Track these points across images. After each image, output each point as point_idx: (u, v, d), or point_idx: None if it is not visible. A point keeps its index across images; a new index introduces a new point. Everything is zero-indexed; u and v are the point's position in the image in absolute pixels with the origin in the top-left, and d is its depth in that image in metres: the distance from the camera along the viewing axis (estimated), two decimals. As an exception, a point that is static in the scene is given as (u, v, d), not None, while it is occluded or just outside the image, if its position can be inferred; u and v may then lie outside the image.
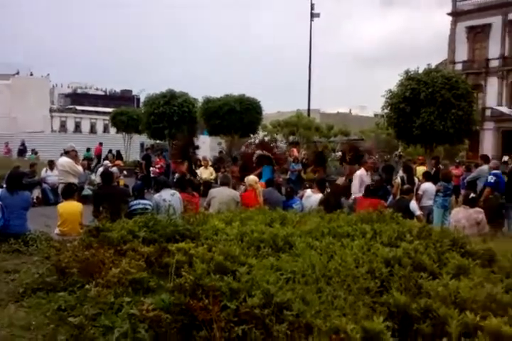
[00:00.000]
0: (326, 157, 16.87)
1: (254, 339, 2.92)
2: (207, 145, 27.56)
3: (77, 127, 60.79)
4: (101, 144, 27.27)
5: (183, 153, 16.05)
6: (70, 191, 8.16)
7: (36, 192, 13.72)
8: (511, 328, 2.57)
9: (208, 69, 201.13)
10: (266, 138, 18.13)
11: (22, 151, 27.06)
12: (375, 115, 45.06)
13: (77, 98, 74.74)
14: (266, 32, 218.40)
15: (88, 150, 24.08)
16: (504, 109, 38.30)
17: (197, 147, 19.37)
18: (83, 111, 64.19)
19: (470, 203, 7.80)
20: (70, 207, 7.82)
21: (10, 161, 19.44)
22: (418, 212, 8.49)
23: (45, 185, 14.04)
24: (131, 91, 77.51)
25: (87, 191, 13.00)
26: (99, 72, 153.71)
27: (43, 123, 46.79)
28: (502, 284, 3.42)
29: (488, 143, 37.70)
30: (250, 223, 5.49)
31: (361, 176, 10.56)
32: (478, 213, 7.61)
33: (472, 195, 8.10)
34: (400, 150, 20.63)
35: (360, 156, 13.93)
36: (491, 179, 10.17)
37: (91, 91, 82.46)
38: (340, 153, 18.52)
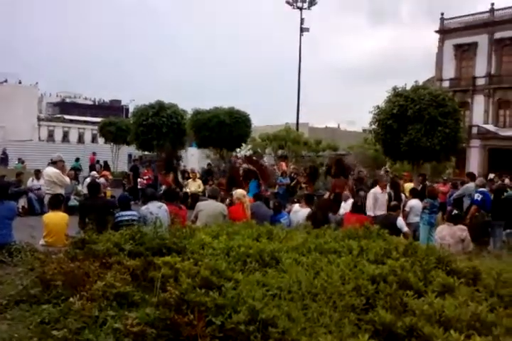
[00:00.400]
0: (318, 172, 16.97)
1: (239, 355, 2.91)
2: (195, 158, 27.54)
3: (65, 136, 60.53)
4: (94, 154, 27.07)
5: (168, 164, 16.06)
6: (57, 202, 8.09)
7: (22, 202, 13.60)
8: (495, 348, 2.59)
9: (198, 82, 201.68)
10: (249, 152, 18.18)
11: (3, 160, 26.74)
12: (364, 130, 45.40)
13: (66, 107, 74.54)
14: (256, 45, 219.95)
15: (77, 160, 23.94)
16: (490, 127, 38.81)
17: (180, 158, 19.42)
18: (71, 121, 63.99)
19: (453, 220, 7.86)
20: (56, 217, 7.75)
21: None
22: (405, 229, 8.53)
23: (31, 195, 13.93)
24: (120, 101, 77.48)
25: (73, 202, 12.90)
26: (88, 81, 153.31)
27: (31, 132, 46.53)
28: (486, 303, 3.44)
29: (475, 160, 38.09)
30: (237, 237, 5.48)
31: (375, 194, 10.63)
32: (462, 230, 7.66)
33: (455, 211, 8.16)
34: (387, 165, 20.76)
35: (345, 170, 14.04)
36: (478, 197, 10.27)
37: (80, 101, 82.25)
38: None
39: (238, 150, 19.69)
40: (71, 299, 4.13)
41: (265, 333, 2.97)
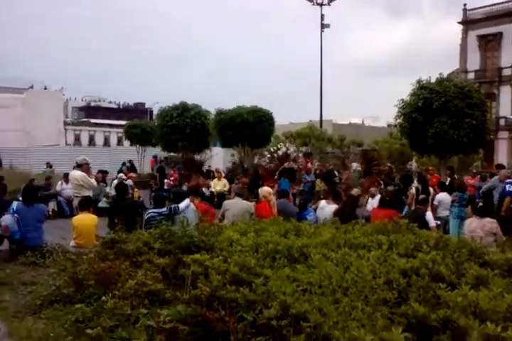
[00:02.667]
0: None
1: (272, 350, 2.91)
2: (220, 157, 27.62)
3: (91, 140, 61.32)
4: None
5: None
6: (86, 204, 8.21)
7: (52, 205, 13.85)
8: (533, 339, 2.53)
9: (220, 81, 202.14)
10: (280, 151, 18.10)
11: None
12: (388, 125, 44.93)
13: (91, 111, 75.63)
14: (277, 43, 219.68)
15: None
16: (518, 118, 38.04)
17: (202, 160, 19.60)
18: (97, 124, 64.83)
19: (480, 213, 7.71)
20: (85, 219, 7.86)
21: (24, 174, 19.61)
22: (433, 223, 8.41)
23: (60, 198, 14.16)
24: (144, 104, 78.28)
25: (103, 203, 13.09)
26: (112, 85, 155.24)
27: (58, 137, 47.22)
28: (522, 294, 3.37)
29: (503, 152, 37.36)
30: (265, 234, 5.48)
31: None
32: (491, 223, 7.52)
33: (481, 204, 8.01)
34: (413, 160, 20.53)
35: (374, 166, 13.93)
36: (509, 188, 10.03)
37: (104, 105, 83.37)
38: (354, 165, 18.53)
39: (273, 148, 19.59)
40: (103, 298, 4.18)
41: (297, 327, 2.96)
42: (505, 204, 9.81)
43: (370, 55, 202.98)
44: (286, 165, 13.74)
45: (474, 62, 41.42)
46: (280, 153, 15.65)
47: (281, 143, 20.63)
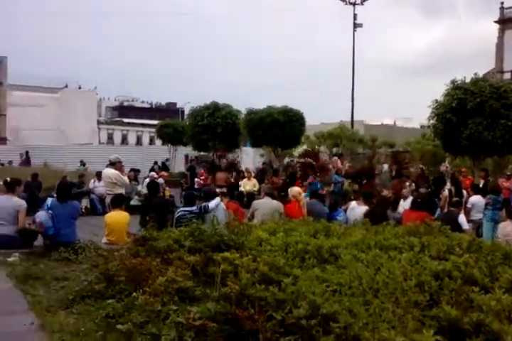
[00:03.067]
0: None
1: (300, 350, 2.90)
2: (250, 157, 27.69)
3: (124, 139, 62.27)
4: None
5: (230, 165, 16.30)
6: (119, 201, 8.35)
7: (85, 202, 14.11)
8: None
9: (252, 81, 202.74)
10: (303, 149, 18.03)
11: (26, 161, 27.11)
12: (421, 126, 44.32)
13: (124, 111, 76.72)
14: (308, 42, 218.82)
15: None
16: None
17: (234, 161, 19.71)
18: (129, 124, 65.76)
19: None
20: (117, 216, 7.99)
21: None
22: (466, 227, 8.27)
23: (93, 196, 14.43)
24: (175, 103, 78.99)
25: (134, 201, 13.28)
26: (145, 85, 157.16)
27: (91, 136, 48.10)
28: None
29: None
30: (294, 234, 5.47)
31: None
32: (527, 227, 7.36)
33: None
34: (446, 161, 20.19)
35: (404, 168, 13.73)
36: None
37: (137, 104, 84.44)
38: (386, 166, 18.30)
39: (296, 149, 19.56)
40: (134, 294, 4.24)
41: (326, 328, 2.94)
42: None
43: (403, 54, 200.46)
44: (303, 160, 13.67)
45: (511, 62, 40.50)
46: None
47: (304, 146, 20.57)
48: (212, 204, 7.86)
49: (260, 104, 21.71)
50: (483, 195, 10.33)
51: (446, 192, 10.59)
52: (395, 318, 3.03)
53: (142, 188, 14.62)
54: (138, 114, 73.97)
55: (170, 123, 28.46)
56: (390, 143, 34.63)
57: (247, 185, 16.90)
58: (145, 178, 16.87)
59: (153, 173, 18.29)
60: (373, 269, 4.02)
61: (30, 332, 4.28)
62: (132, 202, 12.97)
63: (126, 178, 10.29)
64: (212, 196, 8.05)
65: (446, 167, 17.34)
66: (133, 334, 3.61)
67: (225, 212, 7.96)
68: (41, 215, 7.54)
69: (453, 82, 14.01)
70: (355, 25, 35.06)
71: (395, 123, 66.55)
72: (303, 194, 9.54)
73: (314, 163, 13.66)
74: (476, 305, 3.16)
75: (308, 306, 3.09)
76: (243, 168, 20.22)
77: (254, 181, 17.28)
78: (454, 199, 9.23)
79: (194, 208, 7.84)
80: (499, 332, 2.68)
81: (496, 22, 41.99)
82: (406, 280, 3.62)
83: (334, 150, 28.53)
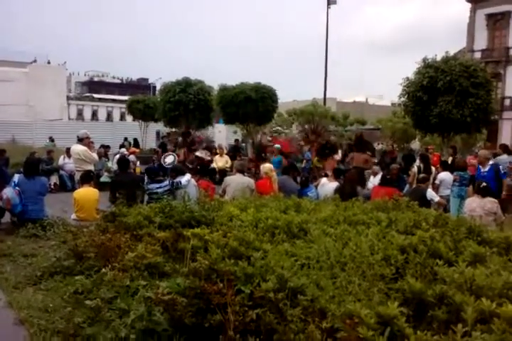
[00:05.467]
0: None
1: (269, 322, 2.93)
2: (223, 134, 27.55)
3: (94, 115, 61.18)
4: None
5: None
6: (88, 177, 8.23)
7: (54, 179, 13.88)
8: (528, 315, 2.55)
9: (224, 58, 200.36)
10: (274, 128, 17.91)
11: None
12: (392, 104, 44.64)
13: (94, 86, 75.11)
14: (282, 20, 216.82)
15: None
16: (524, 99, 37.70)
17: (189, 133, 19.57)
18: (100, 99, 64.49)
19: (482, 192, 7.71)
20: (87, 193, 7.89)
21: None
22: (437, 198, 8.44)
23: (62, 172, 14.19)
24: (147, 79, 77.72)
25: (105, 178, 13.12)
26: (115, 60, 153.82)
27: (61, 111, 47.11)
28: (519, 272, 3.39)
29: (507, 133, 37.10)
30: (265, 210, 5.50)
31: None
32: (492, 203, 7.52)
33: (484, 184, 8.00)
34: (416, 139, 20.45)
35: (365, 144, 13.89)
36: (503, 169, 10.00)
37: (107, 80, 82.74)
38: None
39: (268, 125, 19.49)
40: (103, 270, 4.22)
41: (294, 301, 2.98)
42: (505, 187, 9.74)
43: (376, 32, 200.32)
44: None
45: (481, 41, 40.81)
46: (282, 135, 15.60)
47: (278, 128, 20.51)
48: (183, 180, 7.83)
49: (233, 81, 21.45)
50: (452, 172, 10.49)
51: (415, 169, 10.74)
52: (361, 291, 3.10)
53: (112, 165, 14.44)
54: (108, 90, 72.49)
55: (141, 99, 27.98)
56: (361, 120, 34.83)
57: (220, 162, 16.86)
58: (115, 155, 16.65)
59: (123, 149, 18.06)
60: (341, 244, 4.08)
61: (-3, 309, 4.25)
62: (102, 179, 12.82)
63: (94, 154, 10.13)
64: (181, 172, 8.01)
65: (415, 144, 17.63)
66: (101, 309, 3.60)
67: (196, 188, 7.94)
68: (8, 192, 7.40)
69: (424, 60, 14.06)
70: (329, 2, 34.71)
71: (367, 100, 66.94)
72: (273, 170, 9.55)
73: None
74: (439, 278, 3.24)
75: (276, 280, 3.12)
76: (216, 144, 20.15)
77: (226, 158, 17.24)
78: (421, 175, 9.37)
79: (166, 183, 7.80)
80: (461, 304, 2.75)
81: (467, 1, 42.12)
82: (373, 255, 3.69)
83: (306, 127, 28.51)
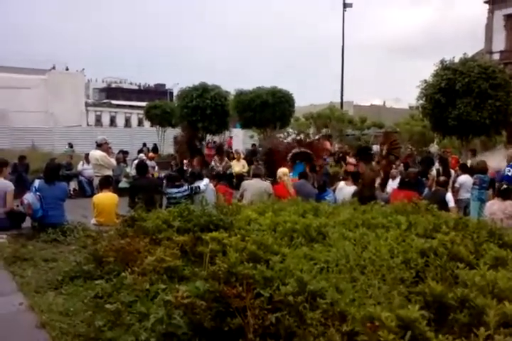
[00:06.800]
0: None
1: (288, 326, 2.93)
2: (240, 139, 27.60)
3: (112, 121, 61.75)
4: (231, 138, 27.21)
5: (190, 147, 16.10)
6: (106, 182, 8.31)
7: (73, 185, 14.04)
8: (551, 319, 2.51)
9: (240, 62, 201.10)
10: (298, 136, 17.73)
11: None
12: (410, 107, 44.28)
13: (112, 92, 75.82)
14: (298, 23, 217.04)
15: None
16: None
17: (203, 139, 19.46)
18: (118, 106, 65.07)
19: (503, 195, 7.61)
20: (106, 198, 7.96)
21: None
22: (452, 204, 8.35)
23: (81, 178, 14.35)
24: (164, 85, 78.26)
25: (123, 184, 13.22)
26: (132, 66, 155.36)
27: (79, 118, 47.60)
28: (541, 275, 3.34)
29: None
30: (283, 214, 5.50)
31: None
32: (513, 206, 7.43)
33: (505, 186, 7.90)
34: (435, 142, 20.24)
35: (395, 148, 13.73)
36: (508, 171, 9.80)
37: (125, 86, 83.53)
38: (374, 147, 18.34)
39: (284, 131, 19.43)
40: (123, 274, 4.26)
41: (313, 304, 2.97)
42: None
43: (393, 35, 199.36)
44: (295, 150, 13.57)
45: (500, 42, 40.36)
46: (289, 139, 15.41)
47: (290, 130, 20.42)
48: (202, 184, 7.87)
49: (250, 85, 21.51)
50: (472, 175, 10.38)
51: (434, 172, 10.66)
52: (381, 294, 3.07)
53: (131, 170, 14.55)
54: (126, 96, 73.12)
55: (158, 105, 28.20)
56: (379, 124, 34.64)
57: (237, 166, 16.88)
58: (134, 160, 16.77)
59: (142, 155, 18.19)
60: (360, 247, 4.06)
61: (19, 313, 4.30)
62: (121, 185, 12.93)
63: (113, 160, 10.24)
64: (199, 177, 8.05)
65: (433, 148, 17.42)
66: (122, 313, 3.63)
67: (214, 192, 7.97)
68: (29, 197, 7.49)
69: (442, 62, 13.96)
70: (345, 5, 34.69)
71: (384, 103, 66.46)
72: (289, 174, 9.54)
73: (311, 152, 13.56)
74: (460, 281, 3.20)
75: (295, 283, 3.11)
76: (233, 149, 20.18)
77: (243, 162, 17.25)
78: (441, 178, 9.28)
79: (185, 188, 7.84)
80: (483, 307, 2.72)
81: (485, 2, 41.73)
82: (392, 258, 3.66)
83: (323, 131, 28.44)
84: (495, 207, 7.51)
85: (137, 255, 4.57)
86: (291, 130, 20.39)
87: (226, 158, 17.72)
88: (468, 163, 12.23)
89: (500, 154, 14.71)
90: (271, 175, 10.80)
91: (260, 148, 20.13)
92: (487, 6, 41.47)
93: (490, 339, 2.44)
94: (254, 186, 8.50)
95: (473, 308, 2.78)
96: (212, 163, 17.02)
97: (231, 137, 27.00)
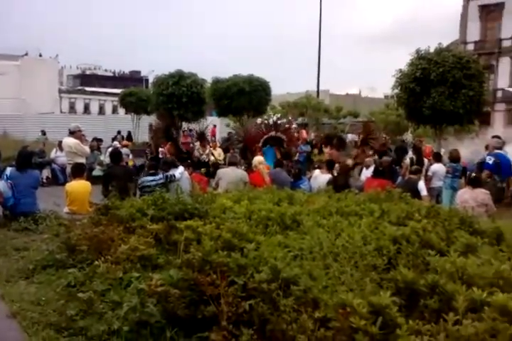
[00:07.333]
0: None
1: (262, 313, 2.94)
2: (216, 127, 27.49)
3: (86, 108, 60.91)
4: (215, 126, 26.91)
5: (167, 134, 15.99)
6: (79, 170, 8.19)
7: (46, 172, 13.83)
8: (518, 304, 2.57)
9: (217, 50, 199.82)
10: (271, 120, 17.77)
11: None
12: (385, 96, 44.67)
13: (86, 79, 74.62)
14: (275, 11, 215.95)
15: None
16: (516, 91, 37.84)
17: (180, 126, 19.35)
18: (92, 93, 64.15)
19: (473, 183, 7.75)
20: (79, 186, 7.85)
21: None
22: (424, 193, 8.47)
23: (54, 166, 14.14)
24: (140, 72, 77.36)
25: (98, 172, 13.07)
26: (107, 53, 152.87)
27: (52, 105, 46.83)
28: (510, 262, 3.41)
29: (499, 124, 37.29)
30: (258, 202, 5.50)
31: None
32: (484, 194, 7.56)
33: (474, 174, 8.04)
34: (409, 131, 20.50)
35: (372, 138, 13.85)
36: (489, 160, 9.92)
37: (100, 72, 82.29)
38: (349, 135, 18.47)
39: (266, 117, 19.47)
40: (96, 262, 4.22)
41: (287, 291, 2.99)
42: (482, 177, 9.65)
43: (369, 24, 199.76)
44: (271, 134, 13.57)
45: (474, 32, 40.86)
46: (270, 121, 15.32)
47: (270, 113, 20.40)
48: (177, 173, 7.82)
49: (226, 73, 21.42)
50: (444, 163, 10.54)
51: (407, 161, 10.79)
52: (354, 281, 3.10)
53: (105, 158, 14.39)
54: (100, 83, 72.03)
55: (134, 92, 27.90)
56: (354, 113, 34.91)
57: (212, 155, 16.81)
58: (108, 148, 16.58)
59: (116, 143, 18.00)
60: (334, 235, 4.09)
61: (-10, 302, 4.24)
62: (94, 173, 12.78)
63: (86, 147, 10.11)
64: (174, 165, 8.00)
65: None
66: (94, 301, 3.60)
67: (189, 181, 7.93)
68: (0, 185, 7.36)
69: (417, 51, 14.05)
70: (322, -7, 34.62)
71: (360, 93, 66.92)
72: (264, 162, 9.56)
73: (284, 137, 13.56)
74: (431, 268, 3.25)
75: (269, 271, 3.12)
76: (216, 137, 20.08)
77: (219, 151, 17.20)
78: (414, 167, 9.39)
79: (160, 177, 7.78)
80: (452, 293, 2.77)
81: (460, -8, 42.11)
82: (365, 245, 3.70)
83: (300, 119, 28.52)
84: (466, 196, 7.64)
85: (111, 243, 4.53)
86: (271, 113, 20.33)
87: (208, 146, 17.64)
88: (442, 151, 12.41)
89: (473, 143, 14.98)
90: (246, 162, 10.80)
91: (236, 136, 20.10)
92: (463, -4, 41.84)
93: (458, 324, 2.48)
94: (230, 174, 8.48)
95: (442, 294, 2.83)
96: (195, 152, 16.91)
97: (215, 126, 26.88)
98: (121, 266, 4.02)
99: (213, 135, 25.58)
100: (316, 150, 16.71)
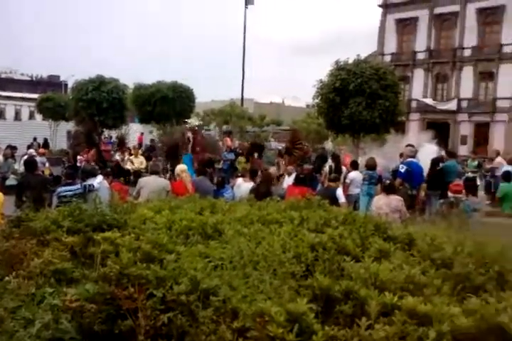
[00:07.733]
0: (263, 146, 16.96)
1: (180, 325, 2.91)
2: (138, 134, 27.00)
3: (1, 114, 58.07)
4: (142, 134, 25.92)
5: (89, 139, 15.66)
6: (-10, 180, 7.79)
7: (-46, 182, 13.01)
8: (425, 306, 2.70)
9: (140, 56, 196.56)
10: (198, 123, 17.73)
11: None
12: (307, 105, 45.78)
13: (1, 83, 71.07)
14: (200, 20, 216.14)
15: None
16: (428, 101, 39.97)
17: (101, 133, 19.03)
18: (7, 97, 61.20)
19: (387, 190, 8.10)
20: (-10, 197, 7.45)
21: None
22: (343, 200, 8.75)
23: (-36, 175, 13.34)
24: (58, 76, 74.60)
25: (11, 181, 12.46)
26: (24, 56, 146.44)
27: (-37, 110, 44.23)
28: (420, 266, 3.59)
29: (414, 133, 39.12)
30: (180, 211, 5.44)
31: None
32: (397, 201, 7.92)
33: (387, 181, 8.42)
34: (329, 139, 21.11)
35: (298, 146, 14.15)
36: (401, 168, 10.39)
37: (16, 76, 78.66)
38: (272, 143, 18.75)
39: (189, 121, 19.41)
40: (6, 278, 4.00)
41: (206, 302, 2.98)
42: (395, 185, 9.98)
43: (295, 35, 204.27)
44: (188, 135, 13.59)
45: (391, 45, 42.88)
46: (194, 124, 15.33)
47: (192, 120, 20.41)
48: (96, 182, 7.60)
49: (149, 79, 21.09)
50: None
51: (326, 168, 11.10)
52: (272, 289, 3.15)
53: (19, 167, 13.74)
54: (17, 87, 68.89)
55: (51, 97, 26.96)
56: (277, 121, 35.50)
57: (135, 163, 16.53)
58: (23, 156, 15.86)
59: (31, 150, 17.27)
60: (254, 243, 4.12)
61: None
62: (8, 182, 12.20)
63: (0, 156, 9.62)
64: (92, 174, 7.78)
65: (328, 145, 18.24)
66: (4, 320, 3.41)
67: (108, 190, 7.73)
68: None
69: (336, 62, 14.57)
70: (247, 2, 35.04)
71: (283, 101, 68.14)
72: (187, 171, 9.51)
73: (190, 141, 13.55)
74: (346, 274, 3.36)
75: (188, 282, 3.10)
76: (131, 144, 19.75)
77: (141, 158, 16.93)
78: (332, 175, 9.69)
79: (78, 187, 7.53)
80: (365, 298, 2.87)
81: (379, 6, 44.00)
82: (284, 253, 3.76)
83: (224, 127, 28.63)
84: (381, 202, 7.97)
85: (23, 257, 4.31)
86: (193, 120, 20.29)
87: (126, 153, 17.30)
88: (359, 160, 12.86)
89: (389, 151, 15.61)
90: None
91: (159, 144, 19.86)
92: (381, 10, 43.78)
93: (370, 329, 2.58)
94: (152, 183, 8.37)
95: (356, 299, 2.93)
96: (117, 158, 16.52)
97: (142, 133, 26.44)
98: (33, 281, 3.83)
99: (140, 142, 25.14)
100: (242, 159, 16.82)
